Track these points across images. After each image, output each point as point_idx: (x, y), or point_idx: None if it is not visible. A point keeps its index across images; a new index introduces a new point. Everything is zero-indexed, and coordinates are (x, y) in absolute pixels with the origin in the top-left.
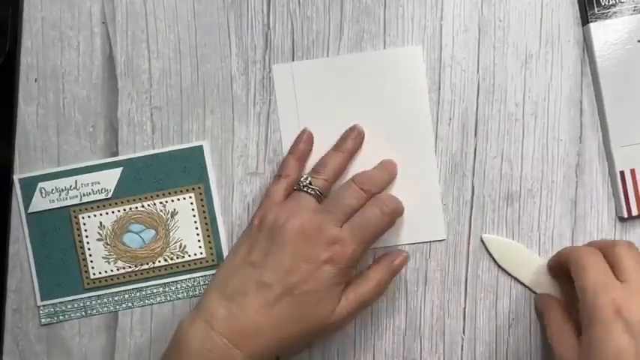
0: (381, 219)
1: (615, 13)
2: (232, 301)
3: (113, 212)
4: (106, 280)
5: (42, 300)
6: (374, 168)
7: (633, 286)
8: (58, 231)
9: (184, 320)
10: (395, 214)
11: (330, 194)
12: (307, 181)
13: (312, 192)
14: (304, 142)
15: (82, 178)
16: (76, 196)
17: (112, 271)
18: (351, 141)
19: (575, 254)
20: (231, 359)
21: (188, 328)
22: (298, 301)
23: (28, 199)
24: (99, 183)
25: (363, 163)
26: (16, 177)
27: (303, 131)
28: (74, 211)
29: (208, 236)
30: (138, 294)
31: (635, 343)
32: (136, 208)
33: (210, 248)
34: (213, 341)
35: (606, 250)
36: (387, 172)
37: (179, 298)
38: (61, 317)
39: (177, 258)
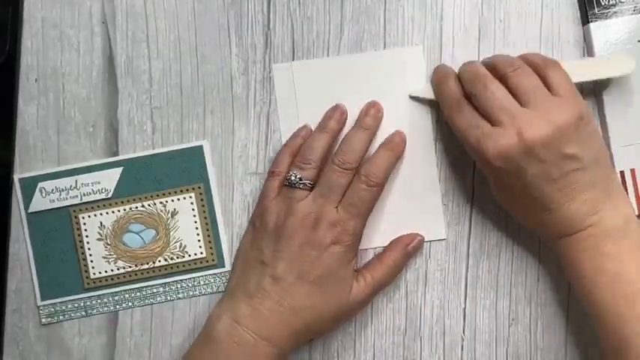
0: (370, 192)
1: (615, 13)
2: (253, 298)
3: (113, 212)
4: (106, 280)
5: (42, 300)
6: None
7: (536, 110)
8: (58, 231)
9: (212, 315)
10: (383, 180)
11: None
12: (297, 178)
13: (304, 187)
14: (301, 137)
15: (82, 178)
16: (76, 196)
17: (112, 271)
18: (335, 121)
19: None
20: (259, 351)
21: (216, 323)
22: (315, 286)
23: (28, 199)
24: (99, 183)
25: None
26: (16, 177)
27: (303, 127)
28: (74, 211)
29: (208, 236)
30: (138, 294)
31: (537, 165)
32: (136, 208)
33: (211, 248)
34: (241, 335)
35: (503, 75)
36: (362, 141)
37: (179, 298)
38: (61, 317)
39: (177, 258)
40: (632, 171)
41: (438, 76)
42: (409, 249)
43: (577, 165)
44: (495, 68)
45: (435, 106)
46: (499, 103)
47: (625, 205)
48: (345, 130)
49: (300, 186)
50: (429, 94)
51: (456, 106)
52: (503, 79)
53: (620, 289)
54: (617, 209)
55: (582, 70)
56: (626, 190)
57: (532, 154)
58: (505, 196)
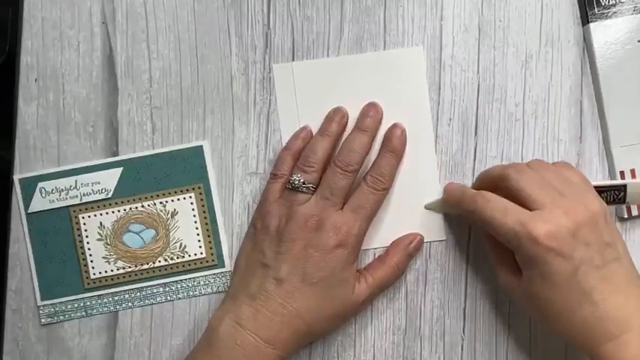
0: (377, 195)
1: (615, 13)
2: (256, 300)
3: (113, 212)
4: (106, 280)
5: (42, 300)
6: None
7: (548, 211)
8: (58, 231)
9: (213, 318)
10: (390, 183)
11: (321, 182)
12: (301, 182)
13: (307, 190)
14: (302, 138)
15: (82, 178)
16: (76, 196)
17: (112, 271)
18: (336, 124)
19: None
20: (262, 353)
21: (218, 325)
22: (318, 288)
23: (28, 199)
24: (99, 183)
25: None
26: (16, 177)
27: (303, 128)
28: (74, 211)
29: (208, 236)
30: (138, 294)
31: (571, 263)
32: (136, 208)
33: (211, 248)
34: (244, 337)
35: (500, 182)
36: (362, 143)
37: (179, 298)
38: (61, 317)
39: (177, 258)
40: (632, 171)
41: (449, 187)
42: (410, 249)
43: (615, 254)
44: (519, 164)
45: (435, 106)
46: (539, 185)
47: None
48: (347, 131)
49: (303, 189)
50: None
51: (482, 199)
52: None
53: None
54: None
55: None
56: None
57: (579, 235)
58: (545, 291)
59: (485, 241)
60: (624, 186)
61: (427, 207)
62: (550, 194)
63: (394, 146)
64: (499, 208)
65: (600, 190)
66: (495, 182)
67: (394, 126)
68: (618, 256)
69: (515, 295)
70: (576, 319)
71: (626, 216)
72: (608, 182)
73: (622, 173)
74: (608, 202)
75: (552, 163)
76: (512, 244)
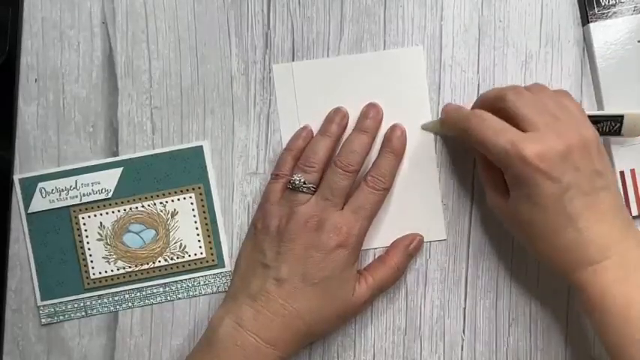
0: (378, 195)
1: (615, 13)
2: (256, 301)
3: (113, 212)
4: (106, 280)
5: (42, 300)
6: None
7: (541, 133)
8: (58, 231)
9: (214, 318)
10: (391, 183)
11: (322, 182)
12: (301, 182)
13: (307, 190)
14: (303, 138)
15: (82, 178)
16: (76, 196)
17: (112, 271)
18: (336, 125)
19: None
20: (262, 353)
21: (218, 325)
22: (319, 289)
23: (28, 199)
24: (99, 183)
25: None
26: (16, 177)
27: (304, 128)
28: (74, 211)
29: (208, 236)
30: (138, 294)
31: (559, 186)
32: (136, 208)
33: (211, 248)
34: (244, 337)
35: (497, 103)
36: (363, 144)
37: (179, 298)
38: (61, 317)
39: (177, 258)
40: (632, 171)
41: (447, 107)
42: (410, 249)
43: (604, 183)
44: (517, 86)
45: (435, 106)
46: (535, 107)
47: None
48: (347, 131)
49: (304, 189)
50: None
51: (476, 117)
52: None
53: None
54: (637, 238)
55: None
56: (626, 190)
57: (570, 159)
58: (530, 212)
59: (477, 161)
60: (621, 117)
61: (424, 127)
62: (545, 117)
63: (394, 146)
64: (493, 127)
65: (596, 120)
66: (493, 104)
67: (394, 126)
68: (607, 185)
69: (503, 216)
70: (559, 242)
71: None
72: (605, 112)
73: (622, 173)
74: (603, 133)
75: (553, 90)
76: (503, 163)
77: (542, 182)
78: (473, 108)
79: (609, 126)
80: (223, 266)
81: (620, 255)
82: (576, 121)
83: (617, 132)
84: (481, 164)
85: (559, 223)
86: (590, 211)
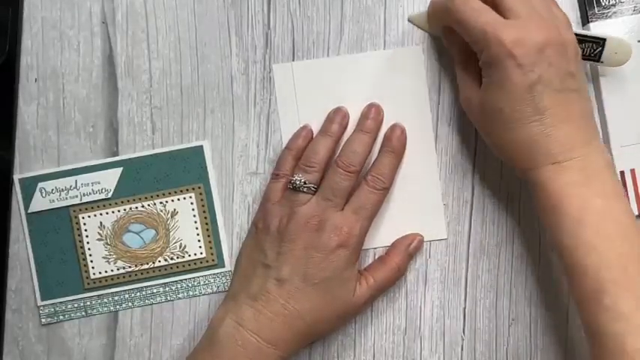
0: (378, 194)
1: (615, 13)
2: (257, 301)
3: (113, 212)
4: (106, 280)
5: (42, 300)
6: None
7: (522, 22)
8: (58, 231)
9: (214, 318)
10: (390, 183)
11: (323, 182)
12: (302, 182)
13: (308, 190)
14: (303, 138)
15: (82, 178)
16: (76, 196)
17: (112, 271)
18: (337, 124)
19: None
20: (263, 353)
21: (219, 326)
22: (320, 289)
23: (28, 199)
24: (99, 183)
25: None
26: (16, 177)
27: (304, 127)
28: (74, 211)
29: (208, 236)
30: (138, 294)
31: (529, 76)
32: (136, 208)
33: (211, 248)
34: (245, 338)
35: None
36: (364, 144)
37: (179, 298)
38: (61, 317)
39: (177, 258)
40: (632, 171)
41: (435, 3)
42: (410, 250)
43: (575, 85)
44: None
45: (435, 106)
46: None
47: (605, 150)
48: (348, 131)
49: (304, 189)
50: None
51: (464, 3)
52: None
53: (605, 229)
54: (601, 149)
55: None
56: (626, 190)
57: (545, 53)
58: (498, 100)
59: (454, 56)
60: (603, 40)
61: (411, 18)
62: (529, 9)
63: (394, 146)
64: (475, 9)
65: (579, 39)
66: None
67: (394, 126)
68: (578, 88)
69: (472, 108)
70: (524, 133)
71: None
72: (588, 32)
73: (622, 173)
74: (583, 57)
75: None
76: (479, 45)
77: (513, 69)
78: None
79: (590, 48)
80: (223, 266)
81: (582, 158)
82: (560, 23)
83: (598, 58)
84: (457, 57)
85: (526, 113)
86: (558, 108)
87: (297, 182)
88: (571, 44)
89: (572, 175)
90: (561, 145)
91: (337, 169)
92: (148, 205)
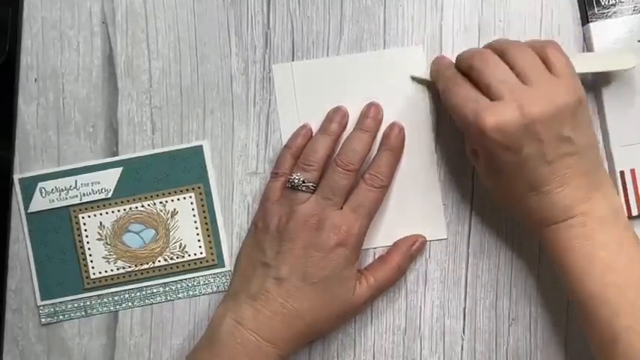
0: (377, 193)
1: (615, 13)
2: (256, 300)
3: (113, 212)
4: (105, 280)
5: (42, 300)
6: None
7: (503, 104)
8: (58, 231)
9: (214, 317)
10: (389, 181)
11: (322, 181)
12: (301, 180)
13: (307, 189)
14: (302, 137)
15: (82, 178)
16: (76, 196)
17: (112, 270)
18: (337, 124)
19: (467, 59)
20: (262, 352)
21: (218, 324)
22: (319, 288)
23: (28, 199)
24: (99, 183)
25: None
26: (16, 177)
27: (303, 126)
28: (74, 211)
29: (208, 236)
30: (138, 294)
31: (518, 157)
32: (136, 208)
33: (210, 248)
34: (244, 336)
35: (503, 53)
36: (363, 143)
37: (179, 298)
38: (61, 317)
39: (177, 258)
40: (632, 171)
41: (436, 60)
42: (412, 250)
43: (572, 149)
44: (495, 47)
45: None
46: (500, 76)
47: (613, 196)
48: (347, 130)
49: (303, 188)
50: (428, 76)
51: (452, 80)
52: (502, 56)
53: (612, 279)
54: (606, 199)
55: (582, 62)
56: (626, 190)
57: (531, 131)
58: (494, 176)
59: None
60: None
61: (414, 78)
62: (510, 85)
63: (392, 144)
64: (462, 96)
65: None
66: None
67: (393, 124)
68: (575, 151)
69: (478, 170)
70: (524, 205)
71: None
72: (590, 69)
73: (622, 173)
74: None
75: (541, 41)
76: (465, 133)
77: (501, 153)
78: (455, 65)
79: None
80: (223, 266)
81: (583, 213)
82: (552, 85)
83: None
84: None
85: (521, 189)
86: (553, 176)
87: (296, 181)
88: (568, 107)
89: (574, 232)
90: (560, 207)
91: (336, 167)
92: (148, 205)
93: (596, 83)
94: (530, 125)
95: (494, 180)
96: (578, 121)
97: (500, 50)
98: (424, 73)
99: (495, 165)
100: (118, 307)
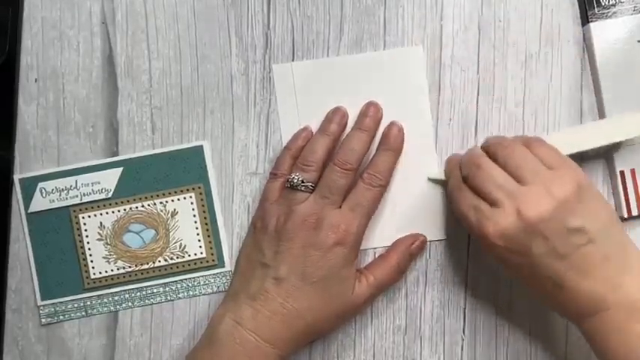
0: (375, 192)
1: (615, 13)
2: (255, 300)
3: (113, 212)
4: (106, 280)
5: (42, 300)
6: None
7: (503, 211)
8: (58, 231)
9: (214, 317)
10: (387, 180)
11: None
12: (299, 180)
13: (305, 189)
14: (302, 138)
15: (82, 178)
16: (76, 196)
17: (112, 271)
18: (336, 124)
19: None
20: (261, 352)
21: (218, 324)
22: (318, 288)
23: (28, 199)
24: (99, 183)
25: (364, 162)
26: (16, 177)
27: (304, 128)
28: (74, 211)
29: (208, 236)
30: (138, 294)
31: (528, 258)
32: (136, 208)
33: (211, 248)
34: (243, 336)
35: (495, 155)
36: (362, 142)
37: (179, 298)
38: (61, 317)
39: (177, 258)
40: (632, 171)
41: (448, 160)
42: (412, 249)
43: (585, 238)
44: (488, 149)
45: (435, 106)
46: (494, 181)
47: None
48: (346, 130)
49: (302, 188)
50: (443, 176)
51: (457, 189)
52: (495, 159)
53: None
54: (638, 282)
55: (588, 136)
56: (626, 190)
57: (535, 231)
58: (517, 278)
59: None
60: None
61: (430, 178)
62: (506, 190)
63: (391, 144)
64: (465, 203)
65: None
66: None
67: (392, 124)
68: (589, 239)
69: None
70: (554, 301)
71: (626, 216)
72: (598, 144)
73: (622, 173)
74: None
75: (524, 138)
76: (475, 238)
77: (511, 257)
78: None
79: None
80: (223, 266)
81: (616, 304)
82: (548, 180)
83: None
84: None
85: (543, 286)
86: (573, 270)
87: (295, 181)
88: (569, 197)
89: (609, 326)
90: (590, 301)
91: (334, 167)
92: (148, 205)
93: (596, 83)
94: (531, 227)
95: (516, 279)
96: (586, 206)
97: (492, 153)
98: (439, 173)
99: (512, 268)
100: (118, 307)
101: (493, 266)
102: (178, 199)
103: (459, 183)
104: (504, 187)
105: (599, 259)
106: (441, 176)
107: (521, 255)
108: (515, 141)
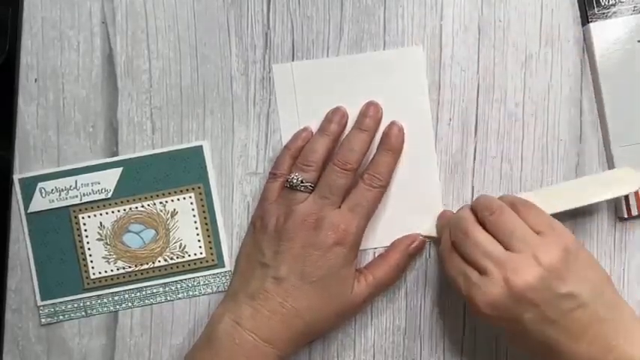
0: (375, 192)
1: (615, 13)
2: (255, 300)
3: (113, 212)
4: (105, 280)
5: (42, 300)
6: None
7: (490, 279)
8: (58, 231)
9: (213, 316)
10: (388, 180)
11: (320, 180)
12: (299, 180)
13: (305, 189)
14: (302, 139)
15: (82, 178)
16: (76, 196)
17: (112, 271)
18: (336, 124)
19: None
20: (260, 352)
21: (217, 324)
22: (318, 287)
23: (28, 199)
24: (99, 183)
25: (364, 162)
26: (16, 177)
27: (304, 129)
28: (74, 211)
29: (208, 236)
30: (138, 294)
31: (520, 325)
32: (136, 208)
33: (210, 248)
34: (242, 336)
35: (483, 220)
36: (361, 142)
37: (179, 298)
38: (61, 317)
39: (177, 258)
40: None
41: (440, 216)
42: (411, 249)
43: (575, 303)
44: (476, 212)
45: (435, 106)
46: (482, 249)
47: None
48: (346, 130)
49: (302, 188)
50: (435, 233)
51: (448, 254)
52: (483, 223)
53: None
54: (633, 342)
55: (581, 193)
56: None
57: (524, 300)
58: (514, 344)
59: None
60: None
61: (424, 233)
62: (494, 258)
63: (392, 144)
64: (454, 268)
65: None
66: None
67: (392, 124)
68: (580, 303)
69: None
70: None
71: (626, 216)
72: (595, 199)
73: None
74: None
75: (512, 200)
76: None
77: (503, 324)
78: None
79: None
80: (223, 266)
81: None
82: (537, 245)
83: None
84: None
85: (538, 350)
86: (565, 335)
87: (295, 181)
88: (556, 264)
89: None
90: None
91: (334, 167)
92: (148, 205)
93: (596, 83)
94: (520, 295)
95: (516, 347)
96: (574, 271)
97: (480, 218)
98: (431, 229)
99: (507, 335)
100: (117, 307)
101: None
102: (178, 199)
103: (449, 245)
104: (492, 255)
105: (590, 322)
106: (433, 233)
107: (512, 322)
108: (503, 205)
